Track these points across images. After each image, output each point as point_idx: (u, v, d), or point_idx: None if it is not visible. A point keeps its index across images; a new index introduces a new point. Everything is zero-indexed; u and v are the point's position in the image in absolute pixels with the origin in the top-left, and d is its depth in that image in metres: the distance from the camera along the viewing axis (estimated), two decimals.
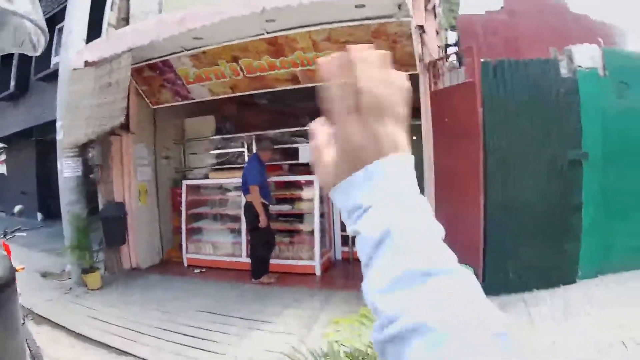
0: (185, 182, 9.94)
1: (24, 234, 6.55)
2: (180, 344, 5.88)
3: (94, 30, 9.16)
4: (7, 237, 6.02)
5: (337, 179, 0.72)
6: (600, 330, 5.16)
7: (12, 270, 3.00)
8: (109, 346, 6.03)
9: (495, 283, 6.48)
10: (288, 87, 8.49)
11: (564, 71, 6.70)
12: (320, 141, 0.77)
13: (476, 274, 6.17)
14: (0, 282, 3.04)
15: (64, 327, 6.75)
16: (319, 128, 0.79)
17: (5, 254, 3.05)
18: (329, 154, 0.74)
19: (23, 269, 5.99)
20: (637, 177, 6.79)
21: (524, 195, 6.53)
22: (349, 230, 0.71)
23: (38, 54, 2.40)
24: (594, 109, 6.65)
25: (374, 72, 0.71)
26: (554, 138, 6.56)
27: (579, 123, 6.61)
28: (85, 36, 9.08)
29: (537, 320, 5.59)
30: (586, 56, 6.78)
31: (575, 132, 6.61)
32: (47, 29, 2.16)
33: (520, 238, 6.56)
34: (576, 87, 6.64)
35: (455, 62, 8.38)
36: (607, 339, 4.94)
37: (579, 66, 6.71)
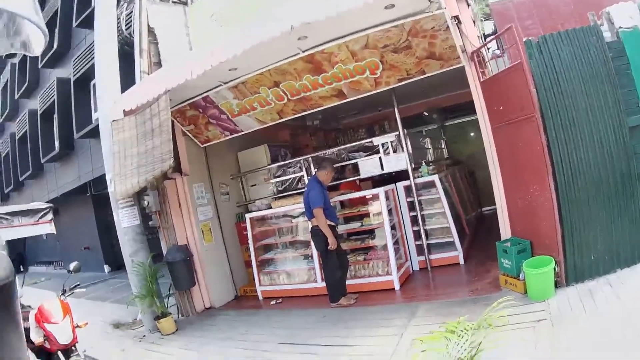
0: (248, 215, 9.88)
1: (84, 289, 6.62)
2: None
3: (128, 81, 9.22)
4: (66, 295, 6.00)
5: None
6: None
7: (12, 271, 2.87)
8: None
9: (579, 269, 6.30)
10: (336, 104, 8.29)
11: (607, 35, 6.44)
12: None
13: (557, 263, 6.16)
14: None
15: None
16: None
17: (5, 253, 2.93)
18: None
19: (86, 324, 5.98)
20: None
21: (591, 172, 6.25)
22: None
23: (38, 54, 2.33)
24: None
25: None
26: (611, 106, 6.26)
27: (633, 86, 6.31)
28: (119, 87, 9.16)
29: (627, 303, 5.29)
30: (625, 15, 6.48)
31: (631, 96, 6.32)
32: (46, 30, 2.07)
33: (595, 218, 6.28)
34: (622, 48, 6.36)
35: (496, 50, 8.16)
36: None
37: (620, 27, 6.44)
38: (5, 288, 2.81)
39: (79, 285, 6.41)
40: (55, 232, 8.88)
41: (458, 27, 7.01)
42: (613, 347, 4.43)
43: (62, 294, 6.01)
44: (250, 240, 9.71)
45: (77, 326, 5.70)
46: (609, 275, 6.17)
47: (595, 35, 6.32)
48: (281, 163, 10.48)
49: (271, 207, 9.77)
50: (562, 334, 5.00)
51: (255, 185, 10.95)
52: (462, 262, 8.92)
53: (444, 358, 3.17)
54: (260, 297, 9.62)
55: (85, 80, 15.14)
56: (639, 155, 6.29)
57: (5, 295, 2.84)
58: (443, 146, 15.09)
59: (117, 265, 17.07)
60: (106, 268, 18.31)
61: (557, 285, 6.23)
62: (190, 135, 9.63)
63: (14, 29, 2.05)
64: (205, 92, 8.58)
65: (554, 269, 6.15)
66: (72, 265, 6.71)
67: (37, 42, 2.20)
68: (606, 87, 6.23)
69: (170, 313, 8.73)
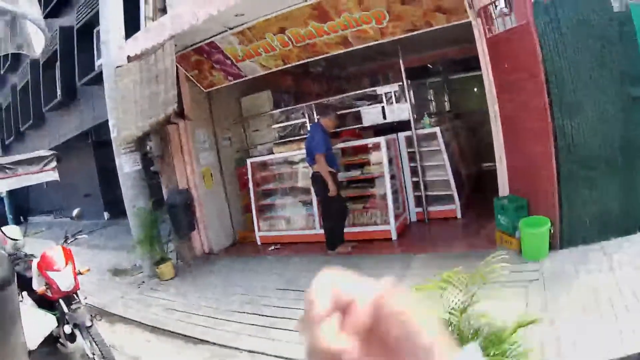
0: (249, 160, 9.90)
1: (86, 236, 6.56)
2: (261, 326, 5.83)
3: (132, 28, 9.19)
4: (69, 242, 5.98)
5: None
6: None
7: (11, 271, 2.93)
8: (186, 336, 6.04)
9: (574, 234, 6.37)
10: (340, 52, 8.25)
11: (615, 5, 6.33)
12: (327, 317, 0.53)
13: (553, 224, 6.18)
14: None
15: (138, 322, 6.80)
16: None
17: (5, 254, 2.98)
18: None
19: (88, 270, 5.96)
20: None
21: (593, 140, 6.27)
22: None
23: (38, 54, 2.34)
24: None
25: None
26: (615, 75, 6.24)
27: (638, 58, 6.28)
28: (123, 34, 9.10)
29: (618, 271, 5.38)
30: None
31: (635, 67, 6.29)
32: (47, 30, 2.08)
33: (594, 185, 6.34)
34: (630, 19, 6.29)
35: (504, 8, 8.13)
36: None
37: None
38: (5, 288, 2.87)
39: (81, 231, 6.36)
40: (58, 179, 8.91)
41: None
42: (602, 312, 4.53)
43: (65, 240, 5.98)
44: (250, 185, 9.80)
45: (79, 273, 5.67)
46: (603, 242, 6.22)
47: (604, 2, 6.25)
48: (284, 109, 10.51)
49: (273, 153, 9.77)
50: (553, 295, 5.12)
51: (257, 130, 10.99)
52: (459, 215, 8.99)
53: (438, 307, 3.20)
54: (259, 243, 9.74)
55: (89, 27, 15.07)
56: (637, 125, 6.32)
57: (6, 295, 2.90)
58: (446, 99, 15.02)
59: (117, 212, 17.16)
60: (106, 215, 18.41)
61: (551, 246, 6.31)
62: (194, 80, 9.60)
63: (16, 28, 2.05)
64: (211, 37, 8.54)
65: (550, 230, 6.23)
66: (74, 212, 6.69)
67: (37, 41, 2.20)
68: (611, 55, 6.21)
69: (170, 258, 8.85)
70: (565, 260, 5.97)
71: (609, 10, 6.23)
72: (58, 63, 17.32)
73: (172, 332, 6.23)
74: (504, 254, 3.46)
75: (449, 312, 3.15)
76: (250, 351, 5.25)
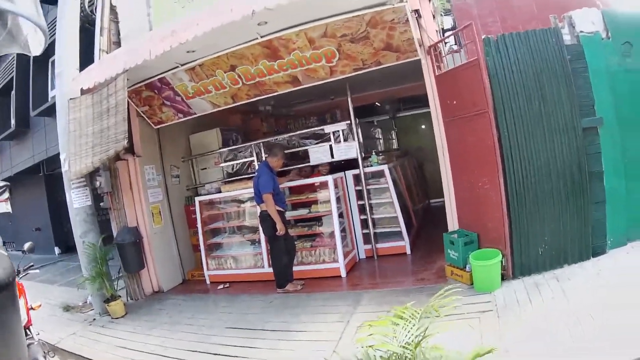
0: (197, 199, 9.91)
1: (37, 270, 6.47)
2: None
3: (87, 59, 9.10)
4: (21, 276, 5.88)
5: None
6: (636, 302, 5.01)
7: (12, 272, 2.91)
8: None
9: (525, 263, 6.48)
10: (289, 90, 8.32)
11: (567, 38, 6.64)
12: None
13: (504, 256, 6.28)
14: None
15: (87, 358, 6.71)
16: None
17: (6, 254, 2.96)
18: None
19: (40, 306, 5.88)
20: None
21: (542, 169, 6.44)
22: None
23: (38, 54, 2.37)
24: (602, 73, 6.61)
25: None
26: (566, 107, 6.46)
27: (589, 89, 6.56)
28: (78, 65, 9.02)
29: (572, 297, 5.50)
30: (587, 20, 6.72)
31: (586, 98, 6.55)
32: (47, 29, 2.10)
33: (544, 214, 6.48)
34: (581, 52, 6.59)
35: (454, 45, 8.31)
36: None
37: (581, 31, 6.66)
38: (6, 287, 2.84)
39: (32, 265, 6.25)
40: (11, 211, 8.76)
41: (417, 21, 7.16)
42: (558, 340, 4.57)
43: (17, 274, 5.91)
44: (199, 224, 9.76)
45: (32, 308, 5.61)
46: (556, 270, 6.40)
47: (555, 37, 6.51)
48: (232, 147, 10.45)
49: (220, 191, 9.78)
50: (507, 324, 5.16)
51: (205, 168, 10.91)
52: (408, 252, 9.06)
53: (391, 343, 3.19)
54: (208, 282, 9.68)
55: (45, 56, 14.90)
56: (591, 155, 6.52)
57: (6, 295, 2.86)
58: (394, 137, 15.28)
59: (67, 247, 16.86)
60: (56, 250, 18.02)
61: (503, 277, 6.40)
62: (145, 117, 9.57)
63: (14, 29, 2.08)
64: (162, 73, 8.55)
65: (501, 262, 6.31)
66: (26, 246, 6.58)
67: (37, 42, 2.23)
68: (562, 88, 6.44)
69: (120, 296, 8.71)
70: (518, 290, 6.05)
71: (560, 43, 6.49)
72: (13, 92, 17.09)
73: None
74: (455, 286, 3.53)
75: (403, 347, 3.14)
76: None
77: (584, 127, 6.49)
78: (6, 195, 8.61)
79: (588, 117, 6.52)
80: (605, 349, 4.22)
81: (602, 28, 6.72)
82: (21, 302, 5.38)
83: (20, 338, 3.16)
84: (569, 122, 6.44)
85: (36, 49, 2.22)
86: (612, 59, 6.68)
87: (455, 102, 7.04)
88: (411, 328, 3.23)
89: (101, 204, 9.22)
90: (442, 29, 10.85)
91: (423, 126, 13.38)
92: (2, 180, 11.08)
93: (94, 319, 8.51)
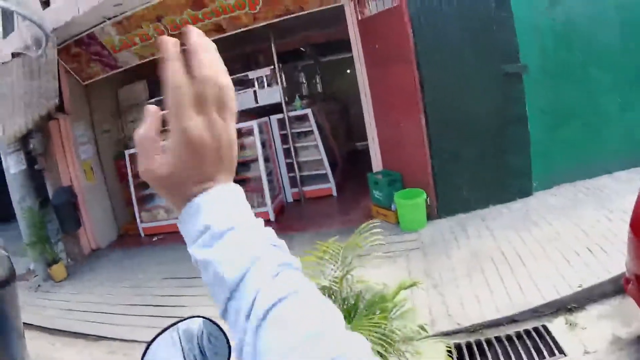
0: (127, 152, 9.79)
1: None
2: (153, 316, 6.11)
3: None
4: None
5: (175, 179, 0.67)
6: (563, 239, 5.40)
7: (12, 270, 3.11)
8: (86, 334, 6.17)
9: (450, 203, 6.86)
10: (215, 37, 8.39)
11: None
12: (149, 131, 0.68)
13: (429, 195, 6.54)
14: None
15: (40, 326, 6.74)
16: (151, 115, 0.69)
17: (6, 254, 3.13)
18: (158, 148, 0.67)
19: None
20: (580, 85, 6.93)
21: (466, 114, 6.72)
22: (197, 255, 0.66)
23: (39, 53, 2.55)
24: (527, 21, 6.74)
25: (215, 60, 0.66)
26: (490, 53, 6.68)
27: (514, 36, 6.67)
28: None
29: (498, 235, 5.86)
30: None
31: (511, 46, 6.69)
32: (48, 30, 2.33)
33: (468, 156, 6.81)
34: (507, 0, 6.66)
35: None
36: (572, 247, 5.17)
37: None
38: (6, 287, 2.99)
39: None
40: None
41: None
42: (486, 273, 4.98)
43: None
44: (130, 178, 9.79)
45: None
46: (482, 210, 6.76)
47: None
48: (159, 98, 10.34)
49: None
50: (434, 261, 5.52)
51: (134, 121, 10.79)
52: (335, 194, 9.45)
53: (318, 278, 3.36)
54: (142, 235, 9.86)
55: None
56: (511, 100, 6.77)
57: (6, 294, 3.02)
58: (319, 82, 15.35)
59: (7, 215, 16.53)
60: None
61: (429, 217, 6.74)
62: (73, 73, 9.44)
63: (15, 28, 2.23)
64: (90, 28, 8.44)
65: (426, 201, 6.62)
66: None
67: (38, 41, 2.42)
68: (486, 35, 6.61)
69: (61, 259, 8.72)
70: (444, 228, 6.44)
71: None
72: None
73: (73, 332, 6.31)
74: (380, 224, 3.75)
75: (331, 282, 3.35)
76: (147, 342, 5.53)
77: (507, 73, 6.68)
78: None
79: (511, 63, 6.68)
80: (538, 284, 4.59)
81: None
82: None
83: (20, 332, 3.34)
84: (492, 67, 6.66)
85: (37, 49, 2.42)
86: (539, 7, 6.82)
87: (377, 47, 7.23)
88: (336, 264, 3.43)
89: (35, 166, 9.14)
90: None
91: (348, 70, 13.54)
92: None
93: (39, 285, 8.50)
